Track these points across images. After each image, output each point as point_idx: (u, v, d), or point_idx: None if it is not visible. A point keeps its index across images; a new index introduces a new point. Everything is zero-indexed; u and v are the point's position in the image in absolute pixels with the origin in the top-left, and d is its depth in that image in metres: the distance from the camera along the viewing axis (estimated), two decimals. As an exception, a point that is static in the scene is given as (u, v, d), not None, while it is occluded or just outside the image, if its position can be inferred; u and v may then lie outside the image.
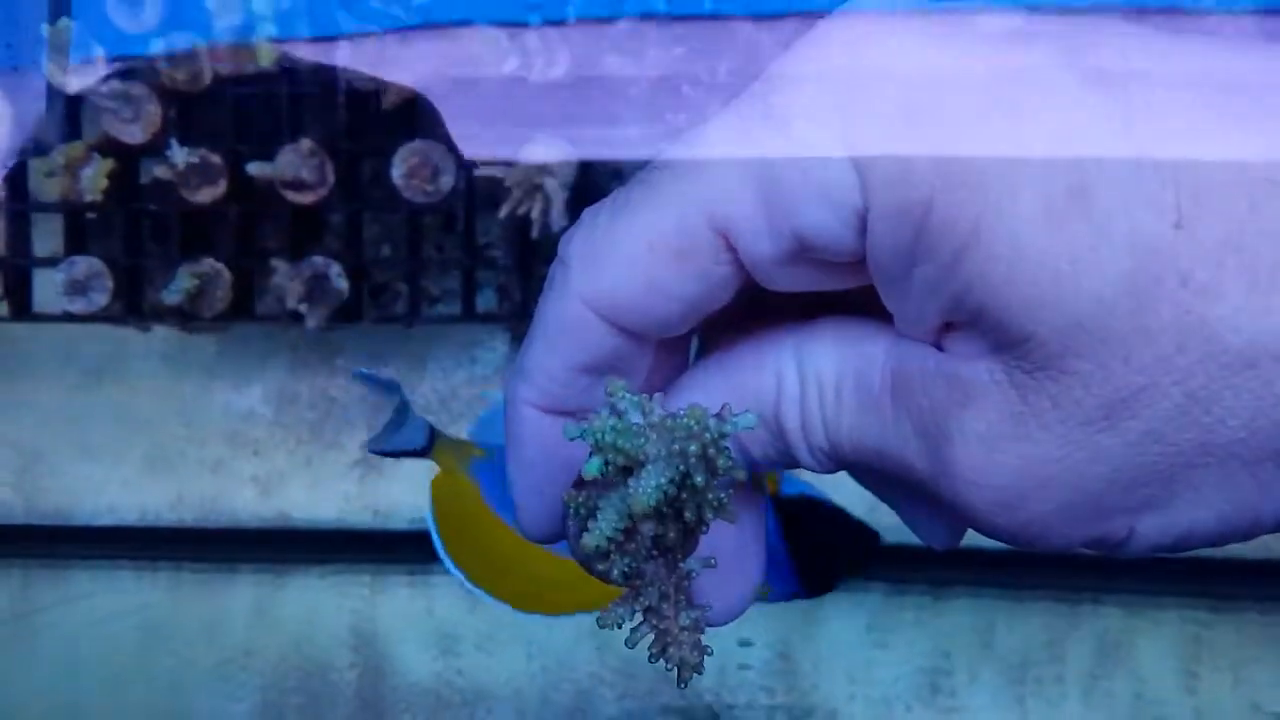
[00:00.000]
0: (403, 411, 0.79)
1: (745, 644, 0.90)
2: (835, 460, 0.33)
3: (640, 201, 0.33)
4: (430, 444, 0.80)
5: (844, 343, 0.33)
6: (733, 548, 0.35)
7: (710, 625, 0.33)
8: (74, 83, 0.78)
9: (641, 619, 0.32)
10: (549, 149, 0.77)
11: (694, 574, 0.32)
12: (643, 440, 0.30)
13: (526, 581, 0.80)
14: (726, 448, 0.30)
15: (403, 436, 0.79)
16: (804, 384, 0.33)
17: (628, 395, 0.30)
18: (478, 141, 0.78)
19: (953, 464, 0.30)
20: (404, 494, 0.92)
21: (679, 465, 0.30)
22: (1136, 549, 0.30)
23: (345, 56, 0.78)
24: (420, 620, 0.92)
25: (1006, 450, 0.29)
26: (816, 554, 0.81)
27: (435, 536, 0.80)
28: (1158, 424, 0.28)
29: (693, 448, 0.29)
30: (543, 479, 0.34)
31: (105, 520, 0.94)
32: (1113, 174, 0.28)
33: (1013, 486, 0.29)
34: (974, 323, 0.29)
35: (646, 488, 0.30)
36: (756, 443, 0.34)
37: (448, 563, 0.80)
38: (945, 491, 0.30)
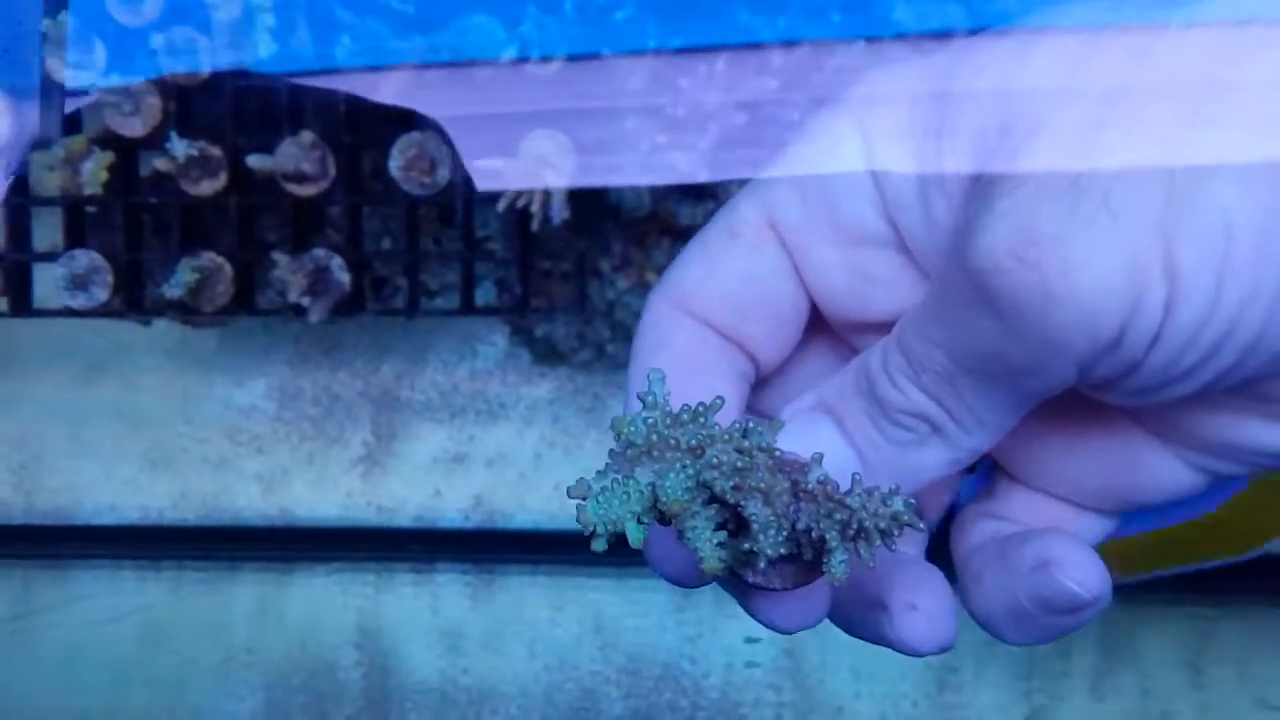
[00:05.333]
0: None
1: (752, 641, 0.89)
2: None
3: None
4: None
5: None
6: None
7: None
8: (73, 77, 0.78)
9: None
10: (549, 141, 0.77)
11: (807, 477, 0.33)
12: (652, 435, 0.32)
13: None
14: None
15: None
16: None
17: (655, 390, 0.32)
18: (476, 134, 0.78)
19: None
20: (408, 490, 0.92)
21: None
22: None
23: (344, 49, 0.78)
24: (425, 618, 0.92)
25: None
26: None
27: None
28: None
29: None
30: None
31: (106, 519, 0.94)
32: None
33: None
34: None
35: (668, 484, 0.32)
36: None
37: None
38: None
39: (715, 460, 0.31)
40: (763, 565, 0.32)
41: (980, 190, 0.31)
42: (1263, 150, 0.28)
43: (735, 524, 0.32)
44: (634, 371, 0.38)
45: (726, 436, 0.32)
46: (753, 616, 0.36)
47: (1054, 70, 0.31)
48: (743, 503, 0.32)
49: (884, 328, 0.36)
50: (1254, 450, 0.33)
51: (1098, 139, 0.29)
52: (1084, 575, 0.33)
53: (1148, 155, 0.28)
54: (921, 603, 0.35)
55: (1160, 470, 0.36)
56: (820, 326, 0.39)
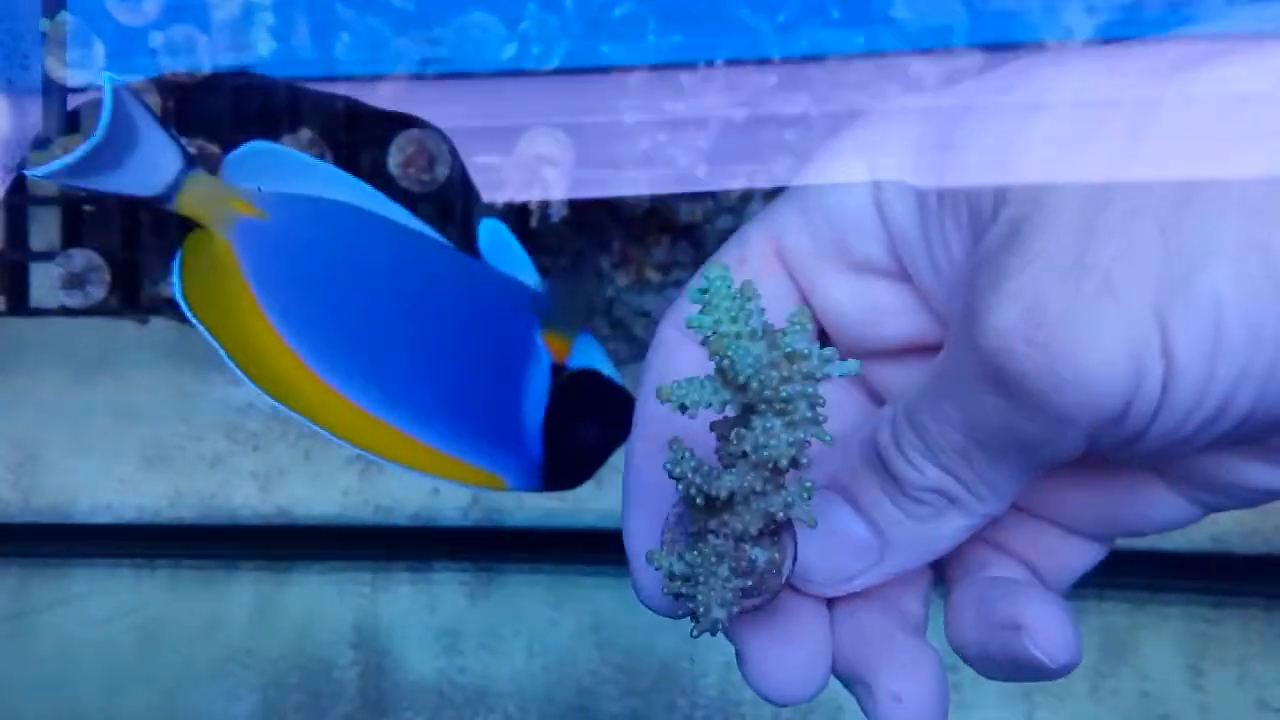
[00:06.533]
0: (128, 135, 0.55)
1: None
2: None
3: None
4: (175, 190, 0.58)
5: None
6: None
7: None
8: (72, 76, 0.78)
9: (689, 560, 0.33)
10: (547, 138, 0.76)
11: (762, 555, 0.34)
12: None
13: (275, 379, 0.63)
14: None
15: (132, 173, 0.56)
16: None
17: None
18: (474, 132, 0.78)
19: None
20: (406, 489, 0.92)
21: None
22: None
23: (344, 47, 0.77)
24: (423, 617, 0.92)
25: None
26: (574, 441, 0.69)
27: (179, 293, 0.61)
28: None
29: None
30: (655, 515, 0.36)
31: (103, 518, 0.94)
32: None
33: None
34: None
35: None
36: None
37: (196, 323, 0.61)
38: None
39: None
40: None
41: (985, 264, 0.32)
42: (1256, 233, 0.28)
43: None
44: (642, 395, 0.39)
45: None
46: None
47: (1054, 140, 0.32)
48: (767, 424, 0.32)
49: (891, 355, 0.38)
50: (1255, 489, 0.34)
51: (1097, 219, 0.30)
52: (1052, 647, 0.34)
53: (1145, 235, 0.29)
54: (908, 693, 0.36)
55: (1159, 503, 0.37)
56: None
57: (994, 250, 0.31)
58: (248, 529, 0.92)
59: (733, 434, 0.32)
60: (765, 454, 0.31)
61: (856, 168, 0.36)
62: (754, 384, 0.31)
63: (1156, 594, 0.87)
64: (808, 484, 0.32)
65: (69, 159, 0.52)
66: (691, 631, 0.34)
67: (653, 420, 0.38)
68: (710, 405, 0.32)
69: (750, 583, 0.33)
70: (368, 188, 0.64)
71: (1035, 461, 0.33)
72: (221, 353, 0.60)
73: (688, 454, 0.32)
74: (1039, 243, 0.30)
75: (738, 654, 0.37)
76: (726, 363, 0.31)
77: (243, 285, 0.62)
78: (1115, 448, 0.32)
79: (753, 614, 0.35)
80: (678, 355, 0.38)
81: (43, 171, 0.52)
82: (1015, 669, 0.35)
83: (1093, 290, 0.29)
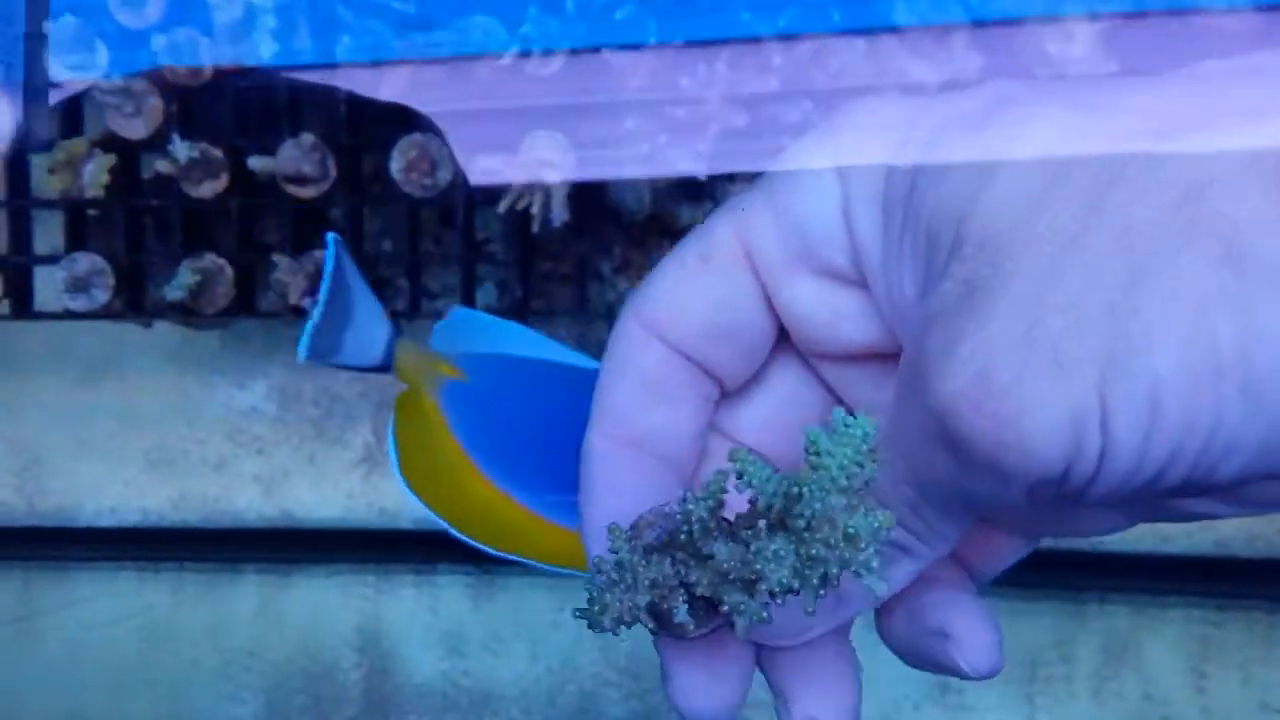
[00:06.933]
0: (347, 303, 0.63)
1: (751, 643, 0.89)
2: None
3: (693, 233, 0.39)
4: (391, 357, 0.66)
5: None
6: None
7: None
8: (76, 80, 0.78)
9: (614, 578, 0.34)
10: (549, 142, 0.76)
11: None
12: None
13: (496, 526, 0.69)
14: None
15: (355, 345, 0.64)
16: None
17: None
18: (476, 133, 0.77)
19: None
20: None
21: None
22: None
23: (345, 50, 0.77)
24: (426, 620, 0.92)
25: None
26: None
27: (396, 469, 0.67)
28: None
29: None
30: (614, 514, 0.36)
31: (107, 521, 0.94)
32: None
33: None
34: None
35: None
36: None
37: (413, 496, 0.68)
38: None
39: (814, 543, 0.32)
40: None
41: (938, 321, 0.32)
42: (1202, 322, 0.29)
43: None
44: (601, 385, 0.39)
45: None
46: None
47: (1021, 194, 0.32)
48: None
49: (850, 359, 0.38)
50: (1189, 514, 0.35)
51: (1050, 292, 0.30)
52: (977, 658, 0.36)
53: (1095, 313, 0.30)
54: (823, 714, 0.37)
55: (1095, 515, 0.38)
56: (782, 340, 0.40)
57: (948, 309, 0.32)
58: (251, 532, 0.92)
59: (758, 524, 0.32)
60: (759, 568, 0.32)
61: (827, 172, 0.37)
62: (801, 523, 0.32)
63: (1159, 597, 0.87)
64: (765, 614, 0.33)
65: (308, 337, 0.59)
66: (574, 611, 0.34)
67: (615, 416, 0.38)
68: (760, 494, 0.32)
69: (653, 625, 0.34)
70: (539, 336, 0.69)
71: (980, 510, 0.34)
72: (446, 525, 0.66)
73: (711, 500, 0.33)
74: (991, 308, 0.31)
75: (663, 671, 0.37)
76: (796, 491, 0.31)
77: (453, 443, 0.67)
78: (1056, 500, 0.33)
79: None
80: (641, 354, 0.38)
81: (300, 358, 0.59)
82: (939, 670, 0.36)
83: (1040, 363, 0.30)
